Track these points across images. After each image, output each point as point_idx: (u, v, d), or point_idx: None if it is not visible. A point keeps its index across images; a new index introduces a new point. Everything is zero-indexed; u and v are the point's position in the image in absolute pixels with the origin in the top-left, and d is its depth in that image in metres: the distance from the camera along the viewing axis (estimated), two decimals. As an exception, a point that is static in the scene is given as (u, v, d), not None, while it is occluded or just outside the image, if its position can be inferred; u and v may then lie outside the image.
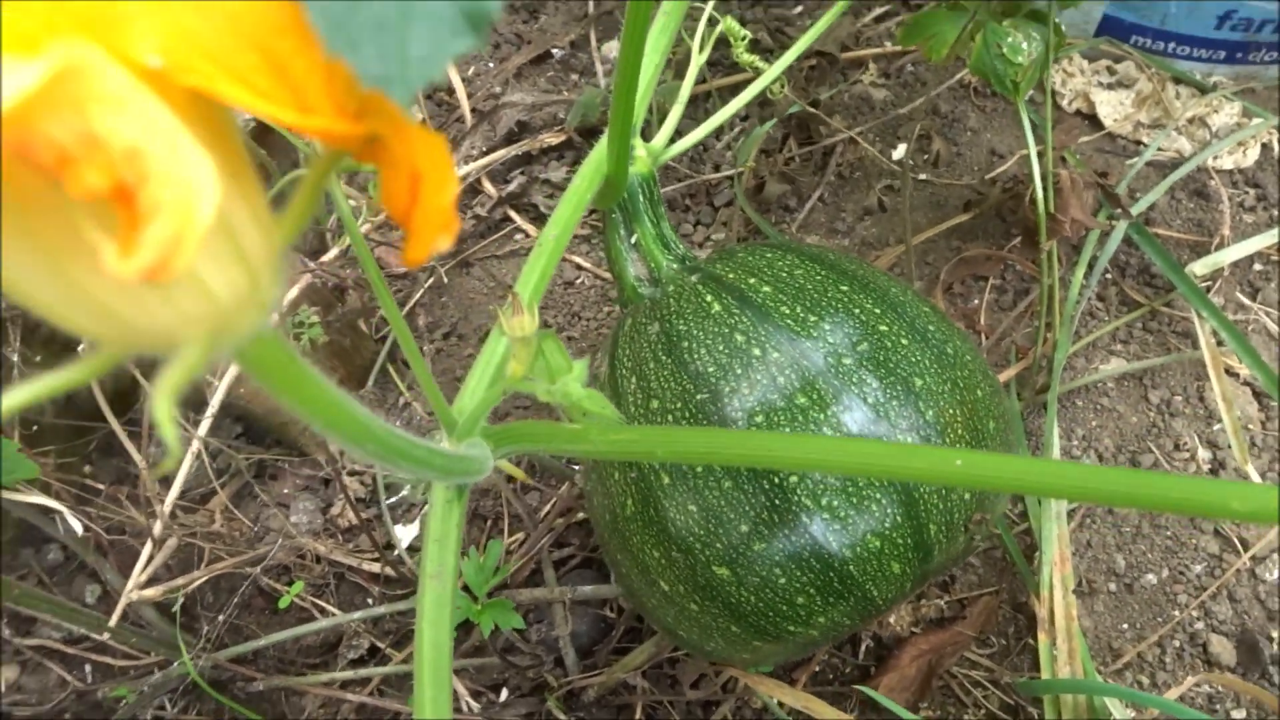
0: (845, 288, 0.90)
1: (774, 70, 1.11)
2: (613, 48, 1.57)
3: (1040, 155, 1.07)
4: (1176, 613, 1.04)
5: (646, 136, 1.10)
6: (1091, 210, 1.19)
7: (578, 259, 1.39)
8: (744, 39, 1.12)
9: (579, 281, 1.38)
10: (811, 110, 1.29)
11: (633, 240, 1.04)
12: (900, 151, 1.38)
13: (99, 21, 0.21)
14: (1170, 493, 0.45)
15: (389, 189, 0.27)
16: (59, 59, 0.19)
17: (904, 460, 0.51)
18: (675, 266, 1.01)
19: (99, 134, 0.20)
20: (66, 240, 0.23)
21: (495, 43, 1.56)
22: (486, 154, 1.38)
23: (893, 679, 1.06)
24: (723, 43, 1.20)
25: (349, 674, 1.15)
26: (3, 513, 1.14)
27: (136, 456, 1.02)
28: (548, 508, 1.23)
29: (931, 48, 1.06)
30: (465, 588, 1.02)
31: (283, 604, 1.16)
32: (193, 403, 1.19)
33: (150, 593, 1.01)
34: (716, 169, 1.42)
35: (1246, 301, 1.19)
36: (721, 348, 0.87)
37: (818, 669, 1.12)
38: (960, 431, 0.85)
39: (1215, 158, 1.28)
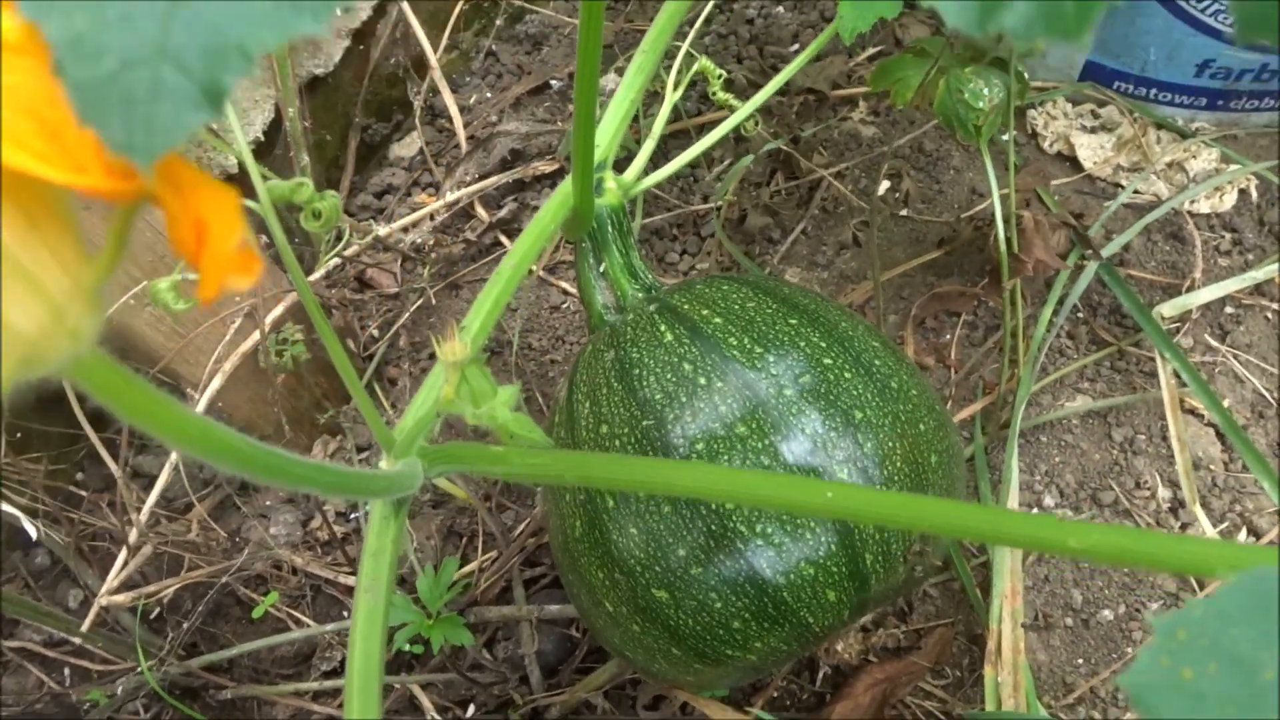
0: (794, 321, 0.93)
1: (746, 108, 1.14)
2: (610, 80, 1.61)
3: (1005, 198, 1.09)
4: (1130, 649, 1.05)
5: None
6: (1062, 251, 1.21)
7: (564, 285, 1.43)
8: (719, 78, 1.15)
9: (564, 306, 1.41)
10: (788, 149, 1.32)
11: (601, 269, 1.07)
12: (884, 188, 1.41)
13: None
14: (1016, 528, 0.47)
15: (174, 234, 0.30)
16: None
17: (789, 491, 0.53)
18: (640, 295, 1.04)
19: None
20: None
21: (498, 73, 1.60)
22: (480, 179, 1.42)
23: (846, 707, 1.07)
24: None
25: (318, 684, 1.18)
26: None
27: (112, 465, 1.06)
28: (521, 527, 1.26)
29: (897, 92, 1.08)
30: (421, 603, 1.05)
31: (257, 613, 1.20)
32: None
33: (121, 598, 1.05)
34: (705, 200, 1.45)
35: (1215, 344, 1.20)
36: (670, 376, 0.90)
37: (775, 694, 1.13)
38: (899, 464, 0.86)
39: (1192, 202, 1.30)
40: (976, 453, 1.15)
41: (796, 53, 1.61)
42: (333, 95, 1.43)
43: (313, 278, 1.23)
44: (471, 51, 1.60)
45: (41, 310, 0.30)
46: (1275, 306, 1.22)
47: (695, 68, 1.15)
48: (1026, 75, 1.06)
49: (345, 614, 1.25)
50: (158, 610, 1.23)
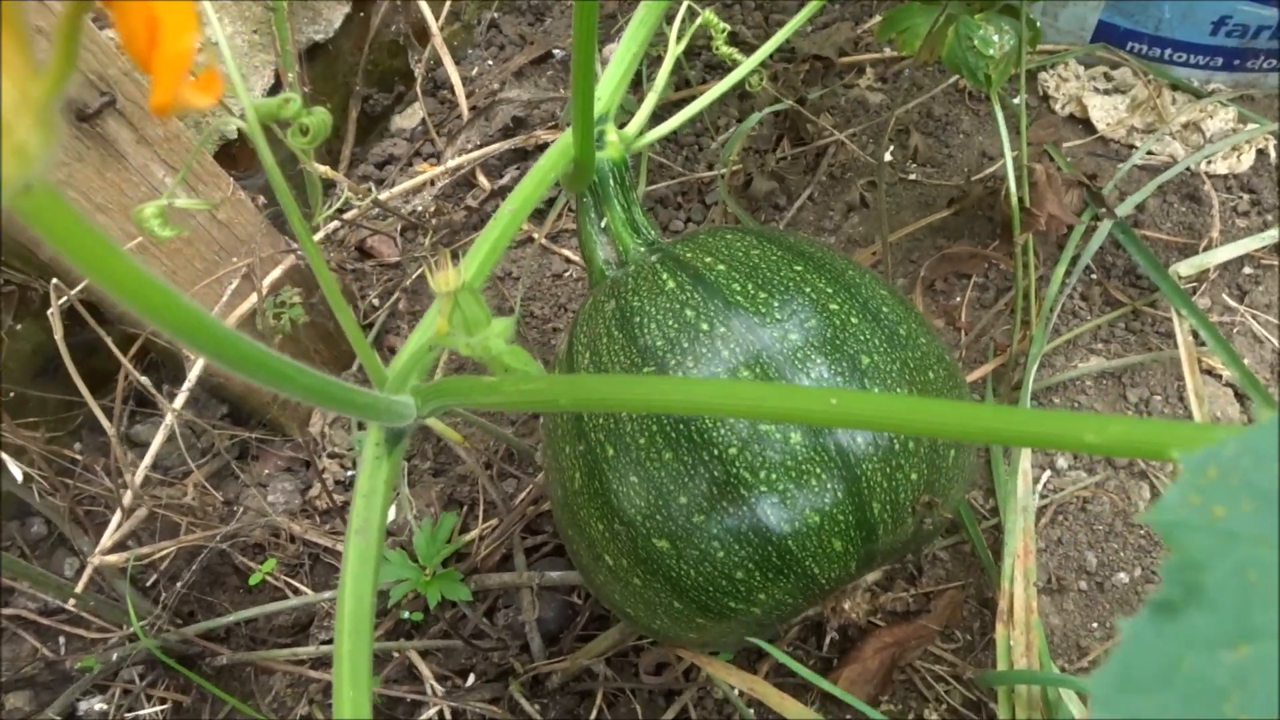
0: (799, 267, 0.90)
1: (751, 61, 1.12)
2: (613, 49, 1.58)
3: (1016, 157, 1.06)
4: (1147, 615, 1.02)
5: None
6: (1076, 210, 1.18)
7: (566, 252, 1.40)
8: (723, 32, 1.13)
9: (567, 274, 1.39)
10: (797, 107, 1.30)
11: (602, 224, 1.05)
12: (890, 153, 1.38)
13: None
14: (1028, 426, 0.45)
15: (125, 31, 0.28)
16: None
17: (785, 400, 0.51)
18: (643, 250, 1.01)
19: None
20: None
21: (500, 44, 1.59)
22: (481, 147, 1.40)
23: (854, 671, 1.04)
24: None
25: (314, 650, 1.15)
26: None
27: (106, 424, 1.04)
28: (522, 495, 1.24)
29: (905, 40, 1.06)
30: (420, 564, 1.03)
31: (254, 580, 1.18)
32: (174, 379, 1.21)
33: (114, 559, 1.03)
34: (710, 168, 1.43)
35: (1233, 304, 1.17)
36: (671, 323, 0.87)
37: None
38: (907, 411, 0.84)
39: (1209, 162, 1.27)
40: (988, 414, 1.12)
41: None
42: (333, 64, 1.41)
43: (314, 238, 1.21)
44: (474, 22, 1.58)
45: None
46: (1295, 266, 1.19)
47: (699, 21, 1.13)
48: (1038, 24, 1.03)
49: (344, 583, 1.22)
50: (154, 578, 1.21)
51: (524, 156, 1.46)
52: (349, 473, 1.30)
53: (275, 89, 1.30)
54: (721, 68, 1.48)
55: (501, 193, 1.41)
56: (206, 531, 1.12)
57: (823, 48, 1.47)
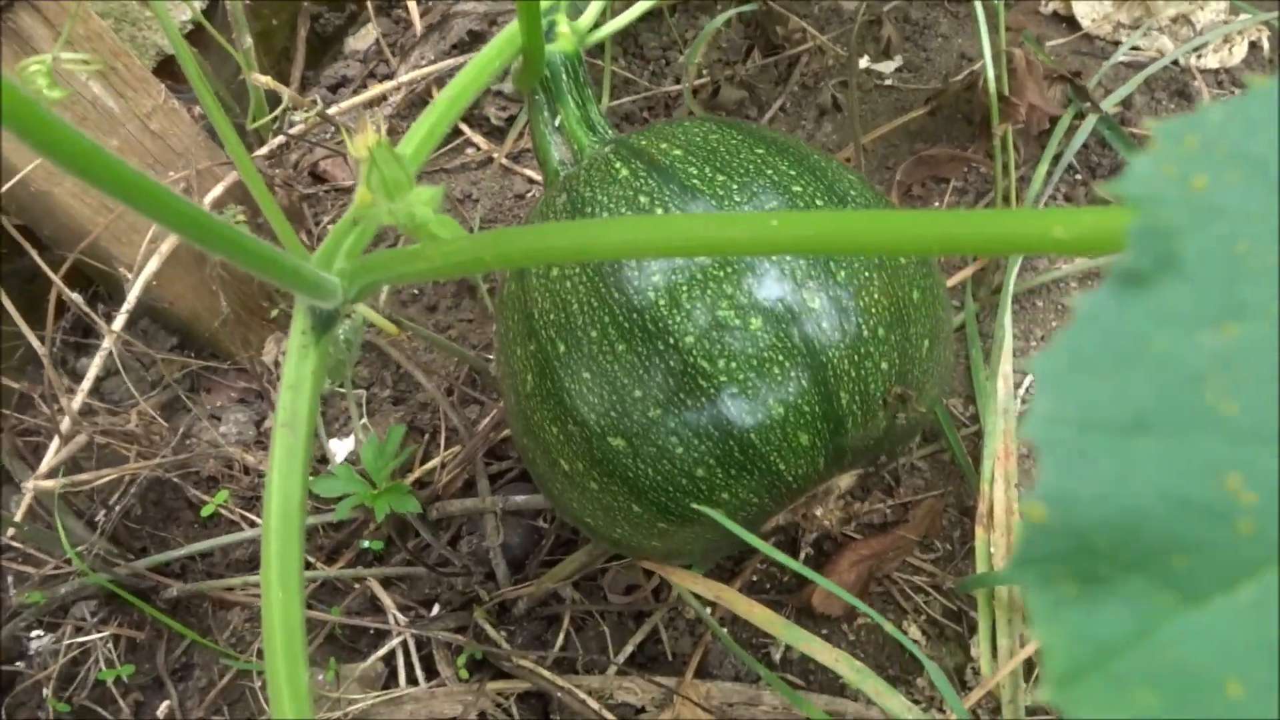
0: (761, 150, 0.85)
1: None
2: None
3: (995, 48, 1.00)
4: (1136, 519, 0.97)
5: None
6: (1060, 103, 1.13)
7: (529, 172, 1.35)
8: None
9: (529, 195, 1.33)
10: (770, 3, 1.23)
11: (556, 123, 0.99)
12: (881, 65, 1.32)
13: None
14: (990, 228, 0.39)
15: None
16: None
17: (721, 229, 0.45)
18: (598, 146, 0.96)
19: None
20: None
21: (457, -38, 1.52)
22: (436, 62, 1.33)
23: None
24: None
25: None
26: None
27: (37, 345, 0.99)
28: (485, 420, 1.19)
29: (873, -83, 1.00)
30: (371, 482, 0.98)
31: (206, 512, 1.13)
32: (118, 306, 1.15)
33: (50, 484, 0.98)
34: (677, 81, 1.37)
35: (1223, 199, 1.11)
36: (624, 210, 0.82)
37: (755, 578, 1.06)
38: (876, 295, 0.78)
39: (1199, 56, 1.21)
40: (968, 319, 1.07)
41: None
42: (280, -22, 1.35)
43: (255, 154, 1.15)
44: (431, -61, 1.51)
45: None
46: (1287, 161, 1.14)
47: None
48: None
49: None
50: (103, 514, 1.15)
51: (483, 74, 1.39)
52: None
53: (214, 3, 1.24)
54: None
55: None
56: (154, 460, 1.07)
57: (794, -46, 1.41)
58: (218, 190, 1.11)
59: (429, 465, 1.18)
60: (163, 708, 1.08)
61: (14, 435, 1.11)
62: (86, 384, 1.03)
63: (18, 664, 1.10)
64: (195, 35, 1.22)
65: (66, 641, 1.09)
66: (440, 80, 1.34)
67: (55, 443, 1.01)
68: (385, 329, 0.75)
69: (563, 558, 1.09)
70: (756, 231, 0.44)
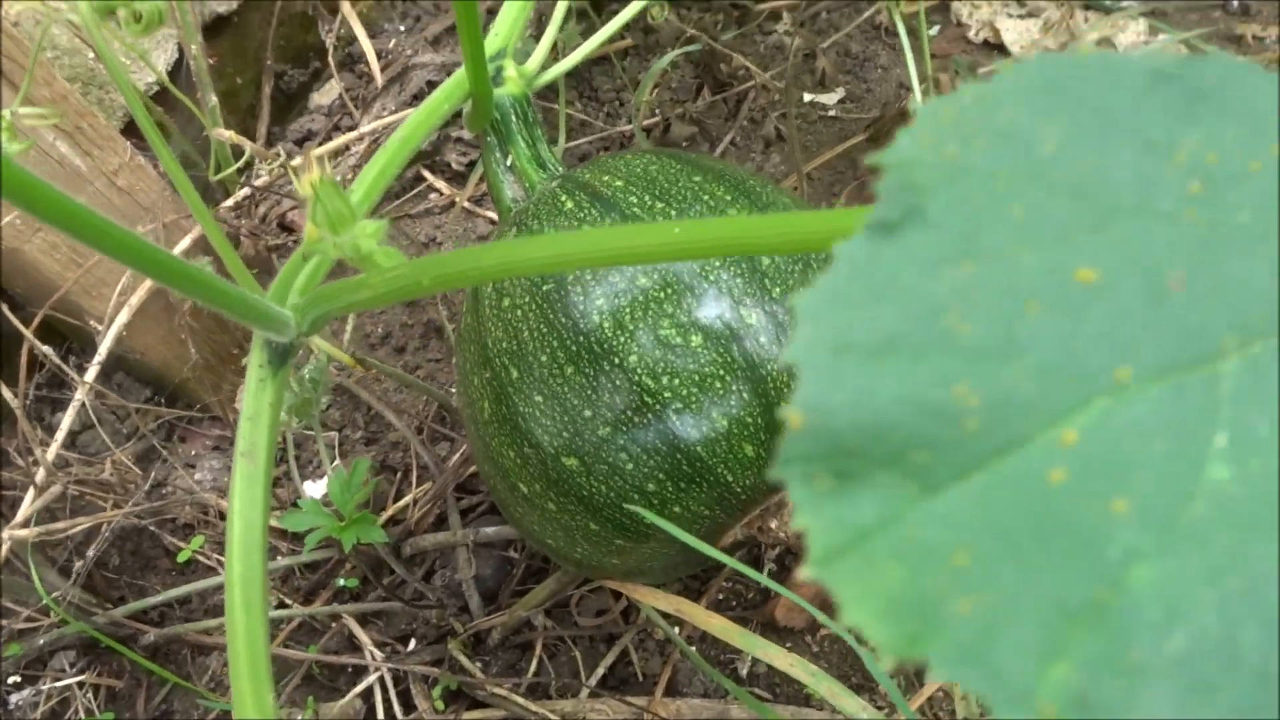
0: (698, 178, 0.89)
1: (650, -8, 1.11)
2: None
3: (923, 75, 1.05)
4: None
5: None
6: (991, 127, 1.17)
7: (490, 214, 1.39)
8: (621, -35, 1.12)
9: (491, 235, 1.37)
10: (710, 43, 1.28)
11: (508, 162, 1.03)
12: (824, 97, 1.37)
13: None
14: (814, 225, 0.43)
15: None
16: None
17: (630, 239, 0.49)
18: (548, 182, 1.00)
19: None
20: None
21: (416, 15, 1.57)
22: (396, 113, 1.38)
23: (789, 601, 1.02)
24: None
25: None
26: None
27: (9, 396, 1.02)
28: (455, 456, 1.22)
29: (800, -43, 1.05)
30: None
31: (182, 558, 1.15)
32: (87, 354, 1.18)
33: (25, 533, 1.00)
34: (630, 122, 1.42)
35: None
36: (569, 239, 0.86)
37: (720, 596, 1.08)
38: (811, 309, 0.82)
39: (1123, 76, 1.26)
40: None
41: (720, -24, 1.58)
42: (242, 38, 1.40)
43: (222, 206, 1.19)
44: (389, -2, 1.57)
45: None
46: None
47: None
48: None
49: (279, 557, 1.20)
50: (79, 564, 1.17)
51: (443, 122, 1.44)
52: (279, 447, 1.27)
53: (179, 64, 1.28)
54: (638, 25, 1.47)
55: (421, 159, 1.40)
56: (129, 508, 1.09)
57: (738, -4, 1.47)
58: (185, 243, 1.15)
59: (402, 502, 1.20)
60: (143, 752, 1.09)
61: (-9, 489, 1.14)
62: (60, 434, 1.06)
63: (-2, 716, 1.11)
64: (162, 95, 1.26)
65: (46, 688, 1.11)
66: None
67: (30, 493, 1.03)
68: (343, 360, 0.78)
69: (533, 586, 1.11)
70: (663, 239, 0.48)
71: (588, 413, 0.80)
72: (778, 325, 0.81)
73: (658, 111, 1.36)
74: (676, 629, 1.05)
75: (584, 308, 0.81)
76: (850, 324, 0.22)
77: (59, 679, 1.12)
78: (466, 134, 1.42)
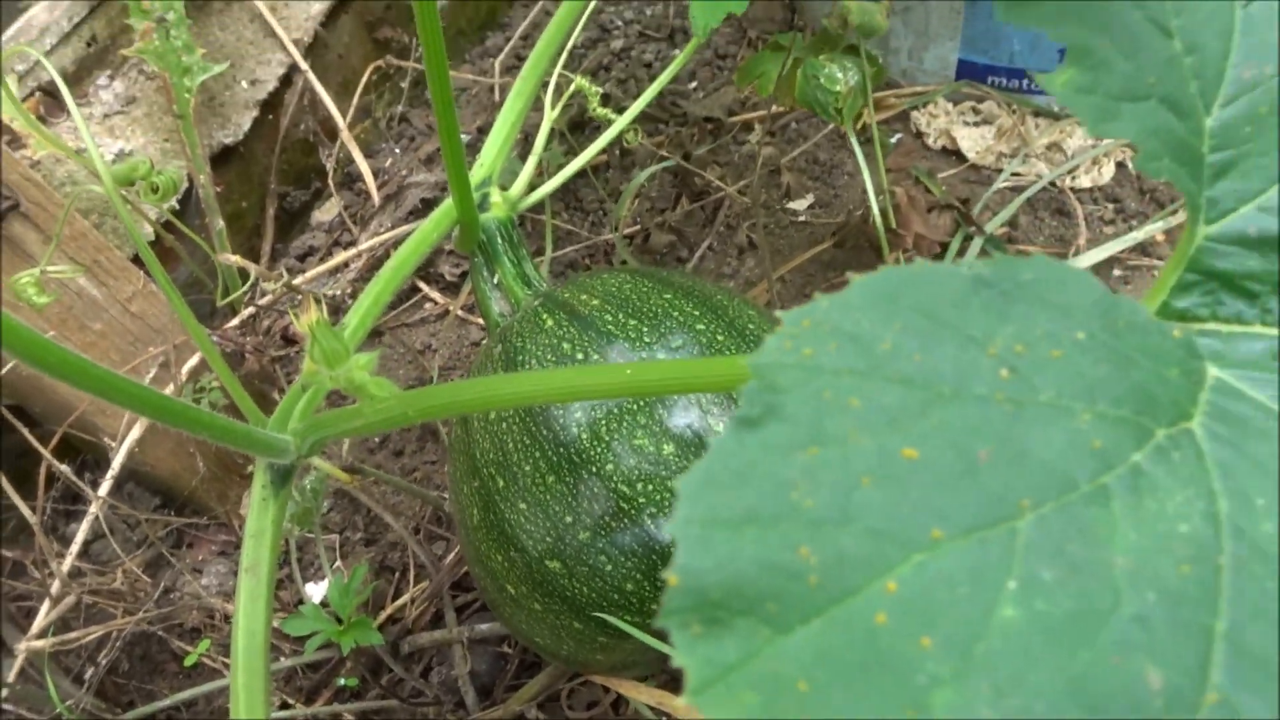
0: (668, 296, 0.96)
1: (624, 119, 1.20)
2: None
3: (880, 183, 1.13)
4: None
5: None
6: (949, 230, 1.26)
7: (482, 322, 1.46)
8: (596, 94, 1.21)
9: (483, 342, 1.45)
10: (683, 163, 1.37)
11: (495, 280, 1.10)
12: (794, 204, 1.46)
13: None
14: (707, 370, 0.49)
15: None
16: None
17: (588, 379, 0.56)
18: (531, 299, 1.07)
19: None
20: None
21: (410, 136, 1.67)
22: (393, 229, 1.47)
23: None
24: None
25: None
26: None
27: (27, 513, 1.08)
28: (451, 555, 1.27)
29: (760, 85, 1.14)
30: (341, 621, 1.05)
31: (189, 662, 1.19)
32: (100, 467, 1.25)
33: (41, 644, 1.05)
34: (616, 230, 1.50)
35: (1104, 304, 1.23)
36: (549, 356, 0.93)
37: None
38: (775, 416, 0.89)
39: (1073, 178, 1.35)
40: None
41: (695, 90, 1.69)
42: (247, 165, 1.49)
43: (229, 325, 1.27)
44: (384, 120, 1.67)
45: None
46: (1161, 263, 1.26)
47: (573, 88, 1.21)
48: (880, 59, 1.11)
49: (282, 658, 1.24)
50: (92, 671, 1.22)
51: (437, 236, 1.52)
52: (282, 551, 1.33)
53: (190, 192, 1.37)
54: (613, 148, 1.57)
55: (416, 271, 1.47)
56: (139, 615, 1.14)
57: (712, 110, 1.56)
58: (194, 361, 1.22)
59: (400, 601, 1.25)
60: None
61: (8, 601, 1.19)
62: (75, 548, 1.11)
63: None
64: (169, 224, 1.35)
65: (59, 797, 1.15)
66: (397, 244, 1.46)
67: (46, 605, 1.09)
68: (340, 478, 0.84)
69: (527, 681, 1.16)
70: (616, 379, 0.55)
71: (569, 519, 0.86)
72: (744, 432, 0.87)
73: (638, 221, 1.45)
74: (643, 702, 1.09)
75: (564, 420, 0.88)
76: (717, 502, 0.29)
77: (70, 785, 1.16)
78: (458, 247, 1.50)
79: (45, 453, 1.09)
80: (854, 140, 1.12)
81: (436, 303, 1.48)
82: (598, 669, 1.03)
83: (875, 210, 1.11)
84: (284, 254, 1.55)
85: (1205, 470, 0.33)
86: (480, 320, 1.46)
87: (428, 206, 1.51)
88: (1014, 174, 1.35)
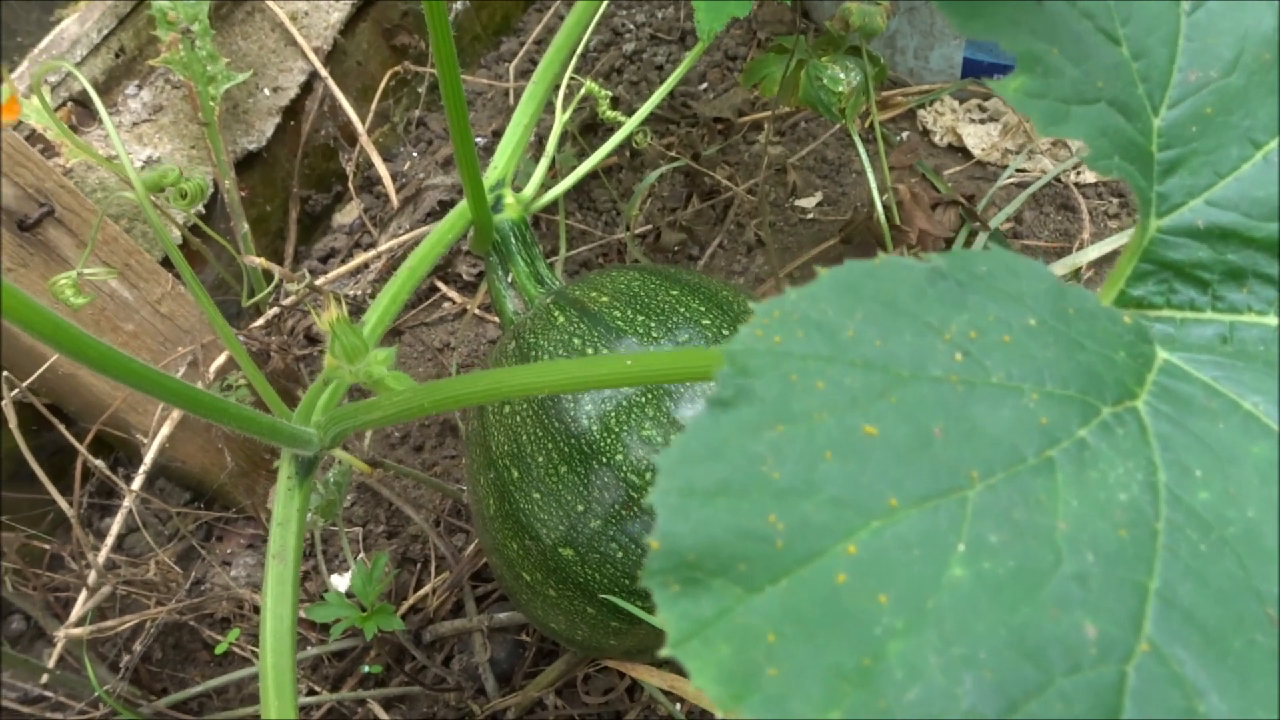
0: (675, 292, 0.99)
1: (633, 121, 1.23)
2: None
3: (883, 179, 1.16)
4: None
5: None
6: (954, 227, 1.28)
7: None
8: (606, 97, 1.24)
9: (497, 342, 1.48)
10: (691, 163, 1.41)
11: (509, 279, 1.14)
12: (803, 201, 1.48)
13: None
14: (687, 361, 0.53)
15: None
16: None
17: (589, 370, 0.59)
18: (544, 296, 1.10)
19: None
20: None
21: (428, 140, 1.71)
22: (411, 230, 1.51)
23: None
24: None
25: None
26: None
27: (65, 506, 1.12)
28: (470, 547, 1.31)
29: (765, 86, 1.17)
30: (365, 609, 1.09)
31: (219, 650, 1.24)
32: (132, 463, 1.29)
33: (79, 631, 1.10)
34: (628, 228, 1.53)
35: (1107, 296, 1.25)
36: (561, 351, 0.96)
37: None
38: (779, 408, 0.92)
39: (1078, 172, 1.37)
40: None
41: (705, 91, 1.71)
42: (270, 170, 1.53)
43: (254, 325, 1.31)
44: (402, 124, 1.71)
45: None
46: (1164, 257, 1.28)
47: (582, 91, 1.24)
48: (882, 59, 1.14)
49: (308, 647, 1.29)
50: (126, 659, 1.27)
51: (455, 236, 1.56)
52: (308, 542, 1.37)
53: (215, 197, 1.42)
54: (623, 149, 1.60)
55: (435, 271, 1.51)
56: (171, 605, 1.19)
57: (721, 110, 1.59)
58: (221, 359, 1.26)
59: (421, 592, 1.29)
60: (186, 836, 1.17)
61: (45, 592, 1.24)
62: (110, 540, 1.16)
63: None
64: (196, 228, 1.39)
65: (96, 780, 1.19)
66: (416, 245, 1.50)
67: (83, 594, 1.13)
68: (361, 469, 0.88)
69: (544, 668, 1.19)
70: (618, 368, 0.58)
71: (581, 507, 0.89)
72: (749, 423, 0.90)
73: (650, 220, 1.48)
74: (678, 705, 1.12)
75: (574, 413, 0.91)
76: (693, 475, 0.32)
77: (107, 769, 1.21)
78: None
79: (81, 449, 1.13)
80: (857, 139, 1.15)
81: (454, 302, 1.52)
82: (612, 654, 1.06)
83: (878, 205, 1.14)
84: (306, 256, 1.59)
85: (1148, 444, 0.36)
86: (496, 319, 1.50)
87: (445, 208, 1.55)
88: (1019, 170, 1.37)
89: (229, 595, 1.28)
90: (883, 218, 1.15)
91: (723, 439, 0.33)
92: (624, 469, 0.88)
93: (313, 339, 1.49)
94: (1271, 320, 0.44)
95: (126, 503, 1.19)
